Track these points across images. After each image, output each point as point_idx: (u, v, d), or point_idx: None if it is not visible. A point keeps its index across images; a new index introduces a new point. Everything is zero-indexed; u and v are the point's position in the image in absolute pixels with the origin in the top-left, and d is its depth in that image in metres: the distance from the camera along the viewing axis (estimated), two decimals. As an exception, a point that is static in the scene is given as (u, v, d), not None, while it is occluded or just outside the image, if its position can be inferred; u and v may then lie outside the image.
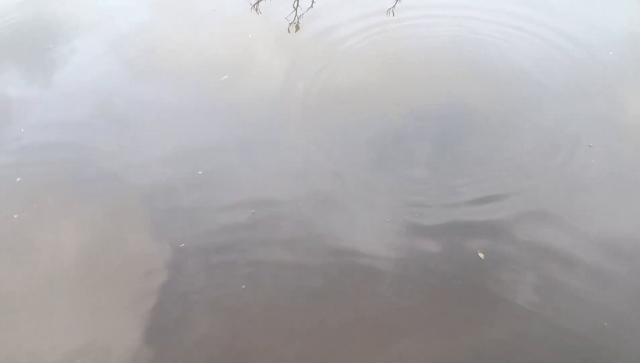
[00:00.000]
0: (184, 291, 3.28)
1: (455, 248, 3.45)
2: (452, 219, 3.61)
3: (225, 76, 4.79)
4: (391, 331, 3.09)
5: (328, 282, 3.31)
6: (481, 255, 3.37)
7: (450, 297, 3.22)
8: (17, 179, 3.96)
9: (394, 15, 5.42)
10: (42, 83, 4.87)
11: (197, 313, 3.17)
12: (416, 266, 3.37)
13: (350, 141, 4.18)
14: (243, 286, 3.29)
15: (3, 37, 5.48)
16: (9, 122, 4.47)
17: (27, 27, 5.60)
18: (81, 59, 5.14)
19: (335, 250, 3.47)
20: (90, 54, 5.20)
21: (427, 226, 3.58)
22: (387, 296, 3.23)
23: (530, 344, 3.01)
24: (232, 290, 3.28)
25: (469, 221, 3.59)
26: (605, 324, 3.06)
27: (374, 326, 3.11)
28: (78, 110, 4.57)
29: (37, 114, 4.55)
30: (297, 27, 5.31)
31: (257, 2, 5.62)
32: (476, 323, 3.11)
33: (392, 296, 3.23)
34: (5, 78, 4.97)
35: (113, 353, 3.02)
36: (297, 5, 5.53)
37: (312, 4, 5.55)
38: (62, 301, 3.27)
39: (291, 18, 5.42)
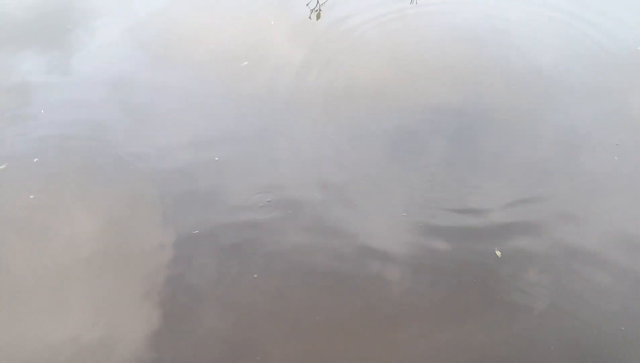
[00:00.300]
0: (196, 278, 3.26)
1: (470, 246, 3.38)
2: (467, 216, 3.55)
3: (246, 62, 4.74)
4: (399, 327, 3.06)
5: (340, 275, 3.27)
6: (498, 253, 3.30)
7: (462, 296, 3.16)
8: (35, 160, 3.97)
9: (417, 3, 5.33)
10: (60, 66, 4.86)
11: (208, 301, 3.16)
12: (430, 263, 3.31)
13: (367, 134, 4.12)
14: (255, 276, 3.27)
15: (22, 19, 5.47)
16: (28, 103, 4.47)
17: (45, 9, 5.59)
18: (99, 43, 5.12)
19: (348, 243, 3.43)
20: (108, 38, 5.17)
21: (442, 223, 3.52)
22: (398, 293, 3.19)
23: (539, 347, 2.94)
24: (243, 279, 3.25)
25: (484, 220, 3.53)
26: (623, 328, 2.99)
27: (382, 322, 3.08)
28: (97, 94, 4.56)
29: (56, 96, 4.55)
30: (319, 16, 5.23)
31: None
32: (486, 323, 3.05)
33: (403, 292, 3.19)
34: (24, 60, 4.96)
35: (122, 339, 3.02)
36: (319, -8, 5.46)
37: (334, -9, 5.47)
38: (73, 284, 3.27)
39: (313, 4, 5.35)
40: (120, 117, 4.32)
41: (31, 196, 3.73)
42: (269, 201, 3.65)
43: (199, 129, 4.19)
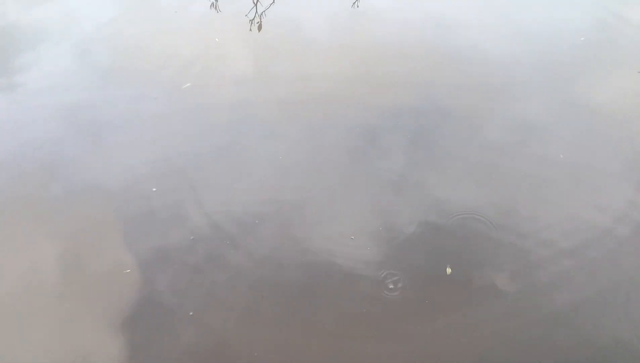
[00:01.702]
0: (162, 298, 3.15)
1: (429, 248, 3.35)
2: (428, 216, 3.50)
3: (188, 84, 4.50)
4: (375, 331, 3.00)
5: (306, 288, 3.19)
6: (449, 270, 3.21)
7: (430, 297, 3.12)
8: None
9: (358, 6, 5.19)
10: (3, 91, 4.57)
11: (175, 323, 3.04)
12: (397, 266, 3.25)
13: (324, 141, 4.01)
14: (221, 293, 3.16)
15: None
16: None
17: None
18: (45, 65, 4.84)
19: (313, 253, 3.34)
20: (54, 55, 4.91)
21: (406, 225, 3.46)
22: (369, 298, 3.13)
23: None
24: (210, 296, 3.15)
25: (442, 219, 3.49)
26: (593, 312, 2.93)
27: (357, 327, 3.02)
28: (42, 119, 4.31)
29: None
30: (260, 27, 5.03)
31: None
32: (458, 319, 3.02)
33: (374, 297, 3.13)
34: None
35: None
36: (257, 1, 5.25)
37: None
38: (34, 314, 3.12)
39: (252, 15, 5.15)
40: (69, 142, 4.10)
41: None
42: (230, 216, 3.53)
43: (151, 147, 4.01)
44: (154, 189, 3.71)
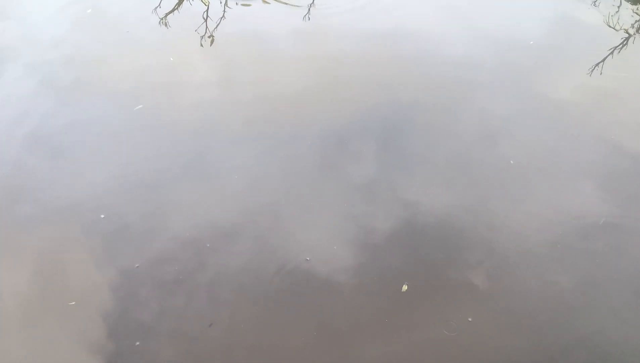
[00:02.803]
0: (139, 316, 3.14)
1: (405, 250, 3.38)
2: (402, 222, 3.53)
3: (140, 105, 4.36)
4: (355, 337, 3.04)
5: (287, 295, 3.21)
6: (405, 287, 3.18)
7: (405, 302, 3.16)
8: None
9: (309, 19, 5.11)
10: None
11: (154, 341, 3.03)
12: (372, 272, 3.29)
13: (293, 151, 3.99)
14: (201, 308, 3.15)
15: None
16: None
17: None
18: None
19: (287, 263, 3.34)
20: (8, 75, 4.73)
21: (379, 231, 3.48)
22: (347, 305, 3.16)
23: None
24: (188, 311, 3.15)
25: (420, 221, 3.54)
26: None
27: (338, 335, 3.05)
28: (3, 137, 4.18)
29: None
30: (212, 41, 4.93)
31: (165, 16, 5.21)
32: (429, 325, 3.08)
33: (352, 303, 3.16)
34: None
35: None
36: (207, 16, 5.15)
37: (223, 14, 5.18)
38: (6, 340, 3.08)
39: (202, 31, 5.04)
40: (33, 164, 3.98)
41: None
42: (205, 230, 3.49)
43: (117, 165, 3.93)
44: (102, 216, 3.60)
